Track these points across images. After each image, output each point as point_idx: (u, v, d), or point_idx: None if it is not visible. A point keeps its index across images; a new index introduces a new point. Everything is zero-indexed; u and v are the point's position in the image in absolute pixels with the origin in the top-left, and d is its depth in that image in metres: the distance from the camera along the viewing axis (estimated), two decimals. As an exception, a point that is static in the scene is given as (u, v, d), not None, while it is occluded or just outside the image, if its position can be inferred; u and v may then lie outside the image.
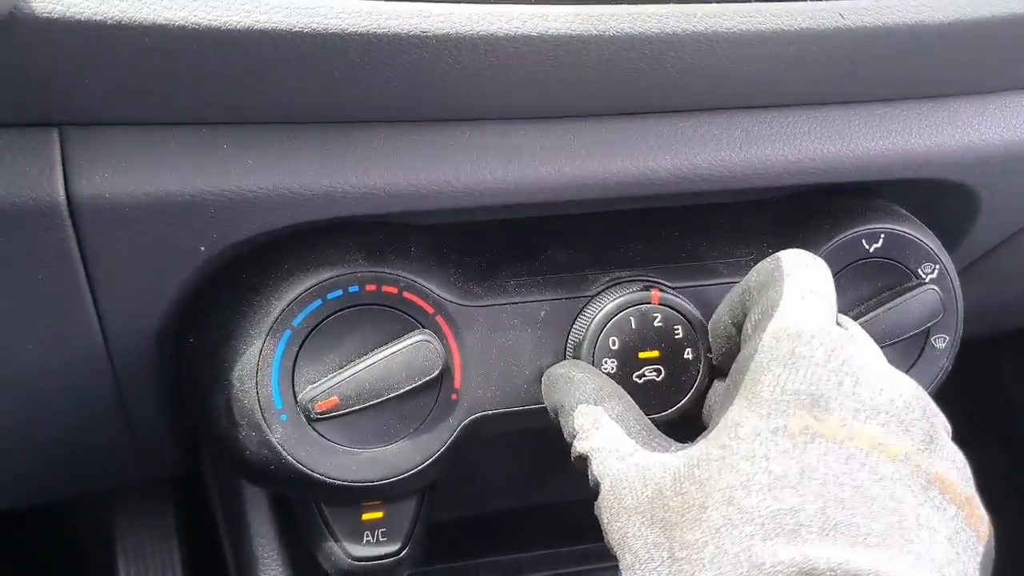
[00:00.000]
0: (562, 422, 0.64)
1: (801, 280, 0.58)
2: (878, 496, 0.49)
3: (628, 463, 0.57)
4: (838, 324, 0.58)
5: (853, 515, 0.48)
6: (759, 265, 0.62)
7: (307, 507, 0.73)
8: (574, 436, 0.61)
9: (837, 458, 0.50)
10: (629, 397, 0.64)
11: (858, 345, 0.55)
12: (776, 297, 0.57)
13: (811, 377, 0.53)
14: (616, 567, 0.54)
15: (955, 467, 0.53)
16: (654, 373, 0.71)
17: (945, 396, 0.81)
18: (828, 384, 0.53)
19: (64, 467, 0.86)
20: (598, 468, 0.58)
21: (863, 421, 0.52)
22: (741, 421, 0.53)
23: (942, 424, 0.55)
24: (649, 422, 0.62)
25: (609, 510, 0.55)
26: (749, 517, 0.49)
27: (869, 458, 0.50)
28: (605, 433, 0.60)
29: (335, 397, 0.65)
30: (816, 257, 0.61)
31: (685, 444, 0.58)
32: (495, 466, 1.03)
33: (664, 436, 0.61)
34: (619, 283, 0.72)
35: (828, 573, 0.46)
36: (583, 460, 0.60)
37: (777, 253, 0.61)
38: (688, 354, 0.71)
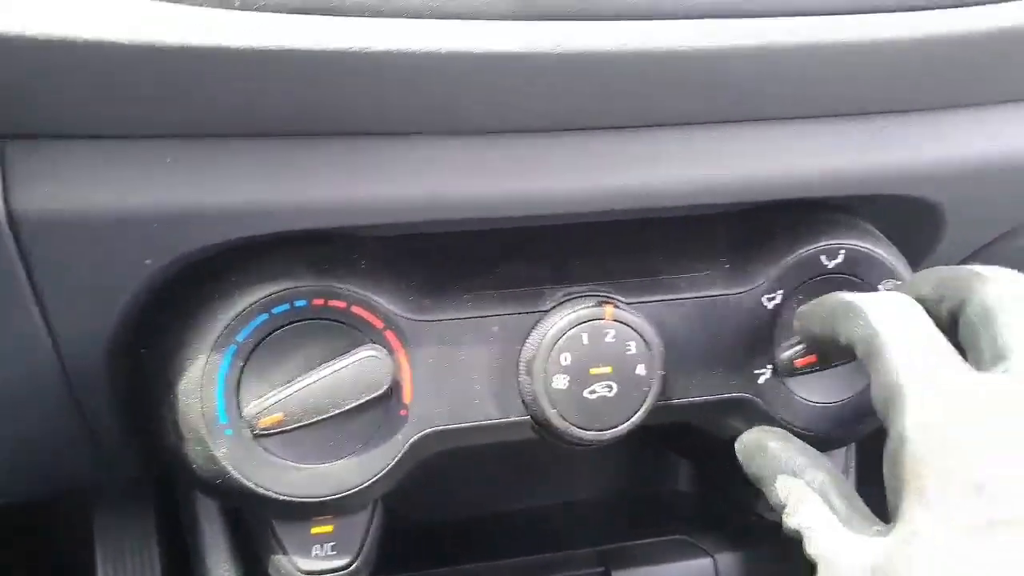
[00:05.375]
0: (764, 491, 0.65)
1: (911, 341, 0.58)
2: None
3: (835, 546, 0.58)
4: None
5: None
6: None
7: (258, 519, 0.73)
8: (780, 509, 0.63)
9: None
10: (829, 463, 0.64)
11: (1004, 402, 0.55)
12: (896, 384, 0.57)
13: (973, 462, 0.53)
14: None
15: None
16: (606, 389, 0.70)
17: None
18: (992, 466, 0.52)
19: (25, 469, 0.86)
20: (812, 549, 0.59)
21: None
22: (915, 524, 0.53)
23: None
24: (851, 490, 0.62)
25: None
26: None
27: None
28: (810, 510, 0.61)
29: (279, 413, 0.65)
30: (907, 302, 0.61)
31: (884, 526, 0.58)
32: (466, 472, 1.02)
33: (863, 509, 0.61)
34: (573, 298, 0.72)
35: None
36: (796, 533, 0.61)
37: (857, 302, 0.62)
38: (641, 370, 0.71)
